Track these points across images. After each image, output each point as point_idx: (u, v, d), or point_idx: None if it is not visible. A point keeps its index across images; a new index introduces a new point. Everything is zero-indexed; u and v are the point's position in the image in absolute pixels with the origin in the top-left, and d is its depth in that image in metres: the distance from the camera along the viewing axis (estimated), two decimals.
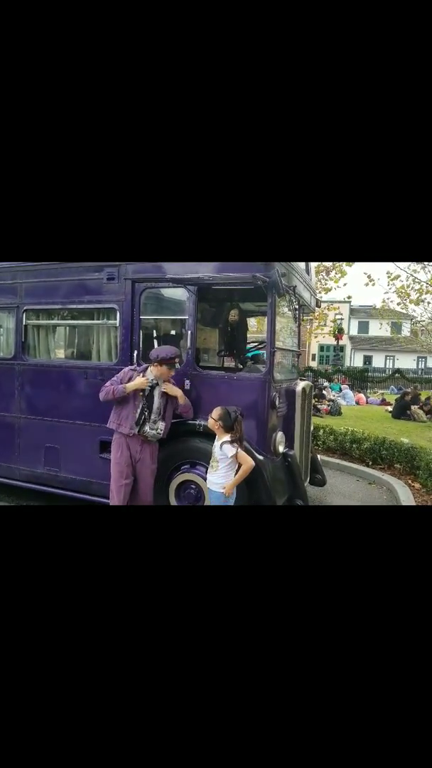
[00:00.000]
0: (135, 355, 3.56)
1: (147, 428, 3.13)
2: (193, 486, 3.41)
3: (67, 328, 4.22)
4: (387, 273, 8.00)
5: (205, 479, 3.34)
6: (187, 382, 3.40)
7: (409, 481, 5.12)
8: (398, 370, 22.61)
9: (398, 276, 7.76)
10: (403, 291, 8.13)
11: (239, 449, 2.75)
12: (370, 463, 5.75)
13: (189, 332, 3.39)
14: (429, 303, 8.11)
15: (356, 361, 33.67)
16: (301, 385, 3.92)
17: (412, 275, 7.39)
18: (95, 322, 3.84)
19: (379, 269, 38.78)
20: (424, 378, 22.29)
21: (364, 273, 8.74)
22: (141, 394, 3.13)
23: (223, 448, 2.72)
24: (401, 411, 10.10)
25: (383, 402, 13.78)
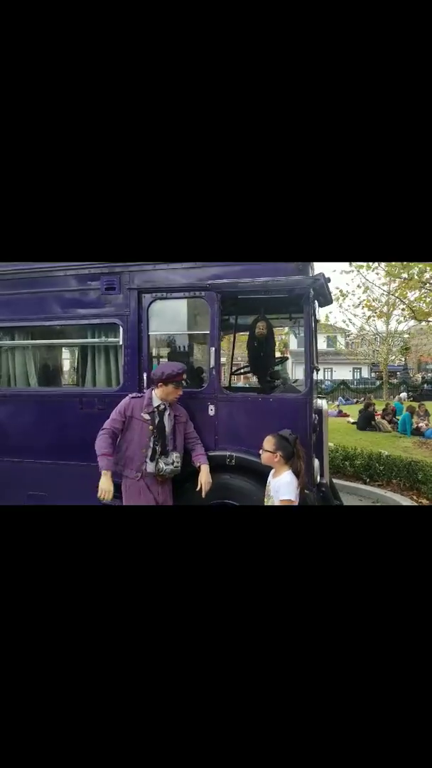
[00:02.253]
0: (145, 377, 3.00)
1: (162, 465, 2.58)
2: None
3: (51, 348, 3.54)
4: (358, 286, 8.12)
5: None
6: (212, 407, 2.90)
7: (414, 497, 4.95)
8: (344, 382, 23.50)
9: (368, 288, 7.90)
10: (370, 305, 8.25)
11: (297, 497, 2.20)
12: (367, 480, 5.55)
13: (212, 349, 2.91)
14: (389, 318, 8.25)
15: (297, 374, 34.68)
16: (324, 403, 3.58)
17: (380, 288, 7.58)
18: (91, 341, 3.21)
19: (343, 281, 41.62)
20: (366, 388, 23.38)
21: (336, 288, 8.76)
22: (150, 426, 2.58)
23: (280, 489, 2.18)
24: (366, 422, 10.23)
25: (340, 414, 14.02)
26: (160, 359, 3.79)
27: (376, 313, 8.65)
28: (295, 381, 3.93)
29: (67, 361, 3.69)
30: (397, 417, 10.75)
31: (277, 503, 2.21)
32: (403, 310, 8.30)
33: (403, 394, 17.08)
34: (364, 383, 29.33)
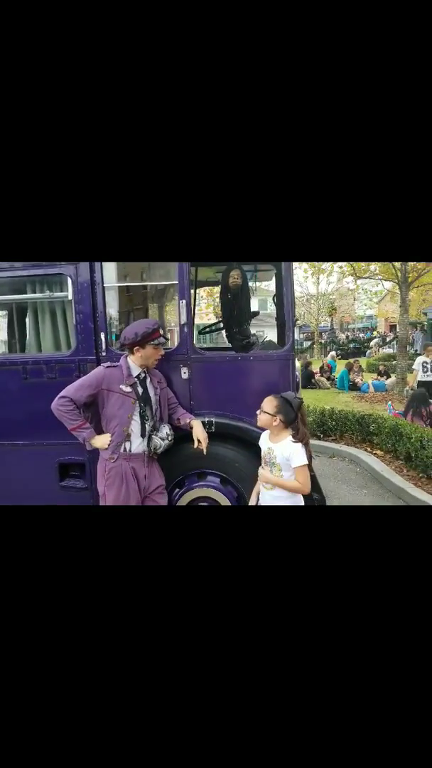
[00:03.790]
0: (103, 339, 2.56)
1: (157, 441, 2.25)
2: (205, 504, 2.64)
3: None
4: None
5: (222, 491, 2.62)
6: (185, 369, 2.57)
7: (368, 449, 5.09)
8: None
9: None
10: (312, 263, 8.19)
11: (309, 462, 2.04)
12: (321, 435, 5.62)
13: (182, 302, 2.54)
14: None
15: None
16: (297, 363, 3.39)
17: None
18: (32, 296, 2.67)
19: None
20: (298, 348, 24.10)
21: None
22: (133, 399, 2.21)
23: (292, 457, 2.00)
24: (306, 380, 10.45)
25: None
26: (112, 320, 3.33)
27: (315, 269, 8.64)
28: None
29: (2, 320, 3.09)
30: (334, 374, 11.14)
31: (286, 472, 2.01)
32: (341, 268, 8.36)
33: (333, 353, 17.78)
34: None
